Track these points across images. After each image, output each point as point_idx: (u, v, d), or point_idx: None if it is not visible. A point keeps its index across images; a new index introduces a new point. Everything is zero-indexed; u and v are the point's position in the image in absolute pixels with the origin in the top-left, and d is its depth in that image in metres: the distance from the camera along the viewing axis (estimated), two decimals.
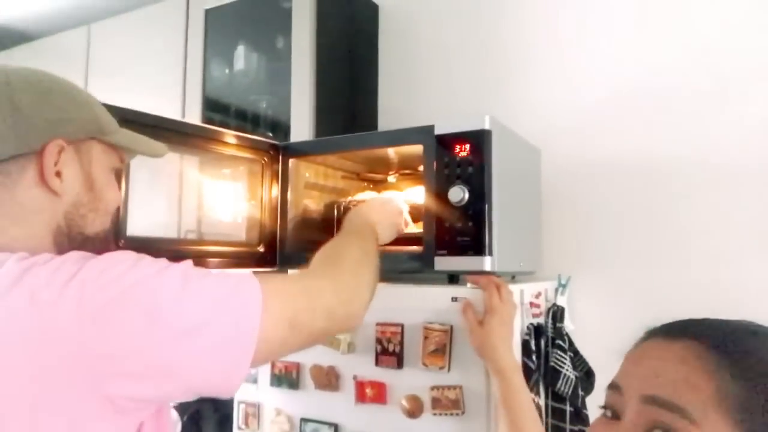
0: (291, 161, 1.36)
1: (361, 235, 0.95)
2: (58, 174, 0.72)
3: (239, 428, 1.25)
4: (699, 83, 1.43)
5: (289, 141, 1.59)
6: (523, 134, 1.37)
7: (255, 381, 1.24)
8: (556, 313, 1.35)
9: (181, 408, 1.67)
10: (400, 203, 1.18)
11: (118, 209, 0.88)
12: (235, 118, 1.92)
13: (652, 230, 1.46)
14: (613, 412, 0.55)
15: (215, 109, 1.94)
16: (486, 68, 1.70)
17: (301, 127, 1.58)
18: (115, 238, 0.88)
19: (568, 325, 1.42)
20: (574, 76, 1.58)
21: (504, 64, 1.67)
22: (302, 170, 1.41)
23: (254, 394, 1.24)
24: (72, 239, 0.74)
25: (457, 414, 1.01)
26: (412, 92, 1.82)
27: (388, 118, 1.83)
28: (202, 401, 1.69)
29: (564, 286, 1.49)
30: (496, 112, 1.60)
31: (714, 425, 0.48)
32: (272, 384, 1.21)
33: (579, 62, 1.57)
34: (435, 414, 1.03)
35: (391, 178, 1.54)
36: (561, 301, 1.45)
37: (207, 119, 1.90)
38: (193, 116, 1.88)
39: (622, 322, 1.48)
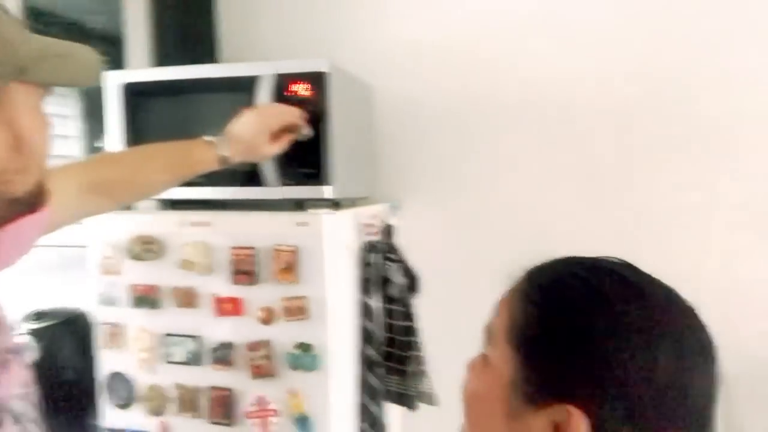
0: None
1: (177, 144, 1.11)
2: None
3: (104, 347, 1.35)
4: (516, 29, 1.65)
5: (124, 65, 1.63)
6: (357, 71, 1.52)
7: (115, 303, 1.32)
8: (389, 231, 1.58)
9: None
10: (269, 120, 1.16)
11: None
12: (66, 33, 1.83)
13: (472, 159, 1.72)
14: None
15: (41, 21, 1.82)
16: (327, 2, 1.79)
17: (138, 53, 1.59)
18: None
19: (399, 240, 1.66)
20: (405, 17, 1.73)
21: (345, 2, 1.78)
22: None
23: (116, 315, 1.33)
24: None
25: (303, 318, 1.21)
26: (251, 22, 1.85)
27: (229, 49, 1.86)
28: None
29: (395, 207, 1.72)
30: (333, 47, 1.73)
31: (502, 347, 0.55)
32: (134, 305, 1.31)
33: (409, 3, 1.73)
34: (287, 320, 1.21)
35: None
36: (393, 221, 1.69)
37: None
38: None
39: (443, 237, 1.76)
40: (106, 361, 1.36)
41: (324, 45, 1.76)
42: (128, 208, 1.38)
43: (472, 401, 0.59)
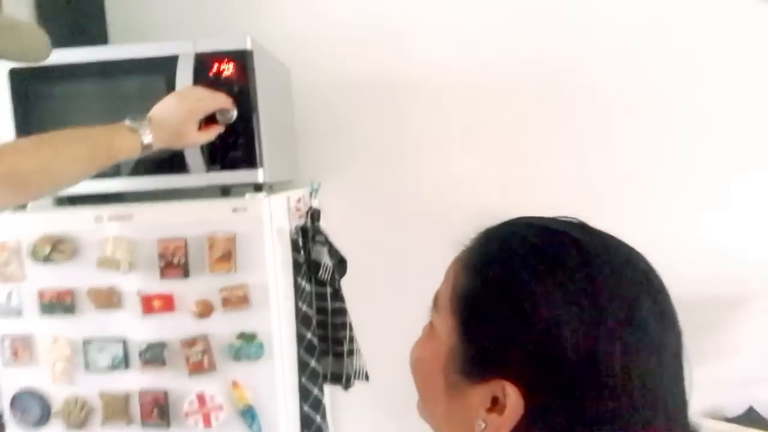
0: None
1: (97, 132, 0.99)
2: None
3: (6, 364, 1.19)
4: (430, 9, 1.67)
5: None
6: (274, 52, 1.48)
7: (20, 314, 1.18)
8: (314, 214, 1.56)
9: None
10: (196, 106, 1.11)
11: None
12: None
13: (389, 138, 1.73)
14: None
15: None
16: None
17: None
18: None
19: (323, 223, 1.65)
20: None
21: None
22: None
23: (21, 326, 1.18)
24: None
25: (246, 307, 1.15)
26: (140, 2, 1.72)
27: (118, 29, 1.71)
28: None
29: (316, 190, 1.70)
30: (236, 29, 1.66)
31: (445, 316, 0.53)
32: (43, 313, 1.17)
33: None
34: (226, 311, 1.15)
35: None
36: (314, 204, 1.66)
37: None
38: None
39: (363, 217, 1.77)
40: (11, 380, 1.20)
41: (224, 26, 1.68)
42: (23, 207, 1.24)
43: (416, 369, 0.57)
